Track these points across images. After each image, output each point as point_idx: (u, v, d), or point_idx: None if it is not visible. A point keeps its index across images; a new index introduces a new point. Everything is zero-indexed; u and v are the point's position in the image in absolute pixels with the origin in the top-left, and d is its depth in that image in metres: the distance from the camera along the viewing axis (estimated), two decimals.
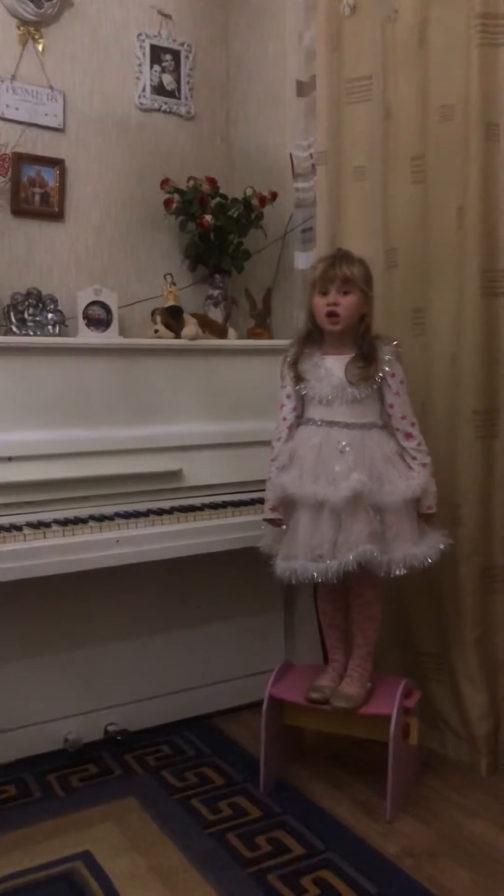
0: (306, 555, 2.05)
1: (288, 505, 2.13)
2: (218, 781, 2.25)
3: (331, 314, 2.09)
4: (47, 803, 2.13)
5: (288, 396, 2.20)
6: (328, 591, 2.23)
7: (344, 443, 2.07)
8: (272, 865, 1.86)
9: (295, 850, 1.92)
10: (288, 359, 2.20)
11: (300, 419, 2.19)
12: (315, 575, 2.03)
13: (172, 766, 2.33)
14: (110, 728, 2.40)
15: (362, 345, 2.12)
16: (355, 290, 2.09)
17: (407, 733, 2.14)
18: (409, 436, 2.13)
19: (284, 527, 2.15)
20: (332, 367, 2.13)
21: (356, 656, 2.19)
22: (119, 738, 2.38)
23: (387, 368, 2.10)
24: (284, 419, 2.20)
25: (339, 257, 2.12)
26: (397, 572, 2.04)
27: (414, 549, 2.07)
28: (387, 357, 2.11)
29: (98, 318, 2.57)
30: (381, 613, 2.22)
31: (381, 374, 2.10)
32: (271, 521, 2.20)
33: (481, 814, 2.10)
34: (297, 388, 2.17)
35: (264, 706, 2.18)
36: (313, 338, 2.18)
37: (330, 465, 2.06)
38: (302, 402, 2.18)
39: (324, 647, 2.39)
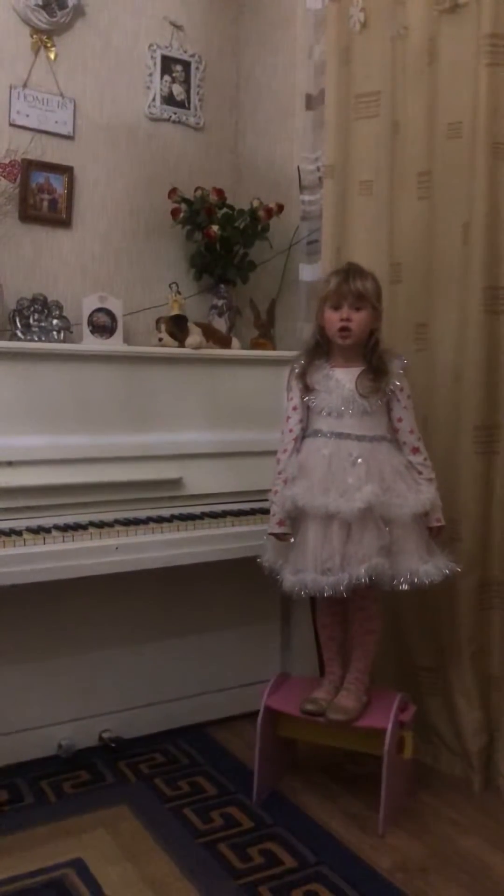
0: (316, 568, 2.04)
1: (295, 518, 2.12)
2: (211, 791, 2.25)
3: (343, 329, 2.10)
4: (39, 809, 2.13)
5: (294, 408, 2.19)
6: (328, 604, 2.23)
7: (356, 454, 2.07)
8: (263, 878, 1.86)
9: (286, 863, 1.92)
10: (296, 370, 2.20)
11: (305, 432, 2.19)
12: (326, 588, 2.02)
13: (165, 774, 2.33)
14: (104, 735, 2.40)
15: (372, 358, 2.13)
16: (367, 305, 2.10)
17: (401, 747, 2.14)
18: (416, 450, 2.14)
19: (292, 540, 2.13)
20: (342, 379, 2.13)
21: (353, 669, 2.19)
22: (113, 745, 2.38)
23: (397, 382, 2.12)
24: (291, 431, 2.19)
25: (353, 272, 2.12)
26: (400, 587, 2.04)
27: (419, 565, 2.06)
28: (397, 371, 2.13)
29: (103, 325, 2.58)
30: (381, 627, 2.22)
31: (391, 388, 2.11)
32: (278, 536, 2.17)
33: (473, 830, 2.09)
34: (306, 399, 2.16)
35: (259, 717, 2.18)
36: (321, 350, 2.19)
37: (341, 476, 2.05)
38: (308, 415, 2.18)
39: (320, 658, 2.39)
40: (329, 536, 2.04)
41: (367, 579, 1.99)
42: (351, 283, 2.09)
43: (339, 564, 2.01)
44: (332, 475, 2.06)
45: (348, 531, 2.02)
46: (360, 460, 2.06)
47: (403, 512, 2.05)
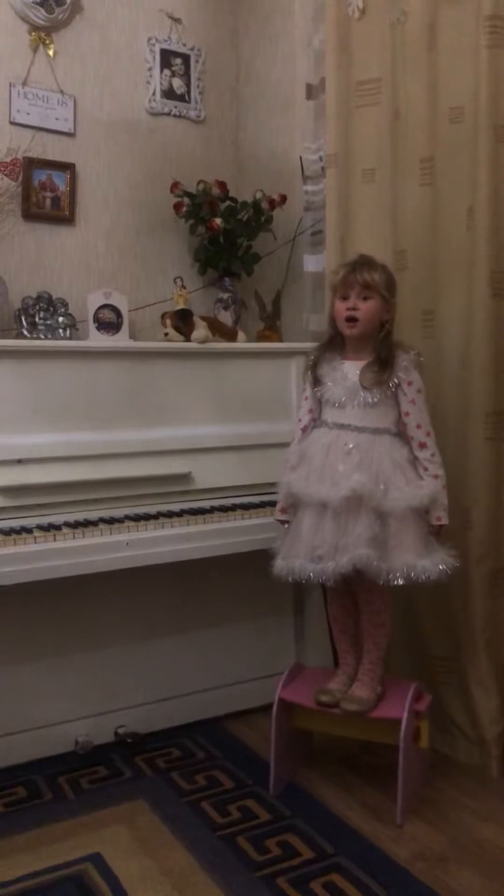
0: (307, 555, 2.06)
1: (294, 505, 2.14)
2: (227, 784, 2.25)
3: (350, 319, 2.10)
4: (57, 805, 2.14)
5: (306, 399, 2.23)
6: (338, 597, 2.23)
7: (351, 444, 2.07)
8: (282, 869, 1.86)
9: (304, 854, 1.92)
10: (309, 362, 2.22)
11: (316, 422, 2.20)
12: (312, 575, 2.04)
13: (182, 768, 2.33)
14: (120, 730, 2.40)
15: (380, 350, 2.12)
16: (376, 295, 2.09)
17: (417, 737, 2.14)
18: (423, 445, 2.12)
19: (286, 526, 2.18)
20: (349, 370, 2.14)
21: (366, 661, 2.18)
22: (129, 740, 2.38)
23: (402, 375, 2.10)
24: (300, 420, 2.23)
25: (361, 263, 2.12)
26: (395, 582, 2.02)
27: (417, 560, 2.03)
28: (403, 364, 2.10)
29: (108, 321, 2.58)
30: (391, 619, 2.21)
31: (395, 381, 2.09)
32: (281, 523, 2.22)
33: (492, 817, 2.08)
34: (315, 390, 2.19)
35: (274, 709, 2.18)
36: (335, 343, 2.19)
37: (335, 465, 2.07)
38: (319, 406, 2.19)
39: (334, 649, 2.38)
40: (322, 525, 2.05)
41: (355, 570, 1.98)
42: (358, 274, 2.09)
43: (329, 553, 2.02)
44: (329, 465, 2.07)
45: (340, 521, 2.02)
46: (353, 450, 2.06)
47: (399, 505, 2.02)
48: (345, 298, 2.11)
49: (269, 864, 1.88)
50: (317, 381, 2.18)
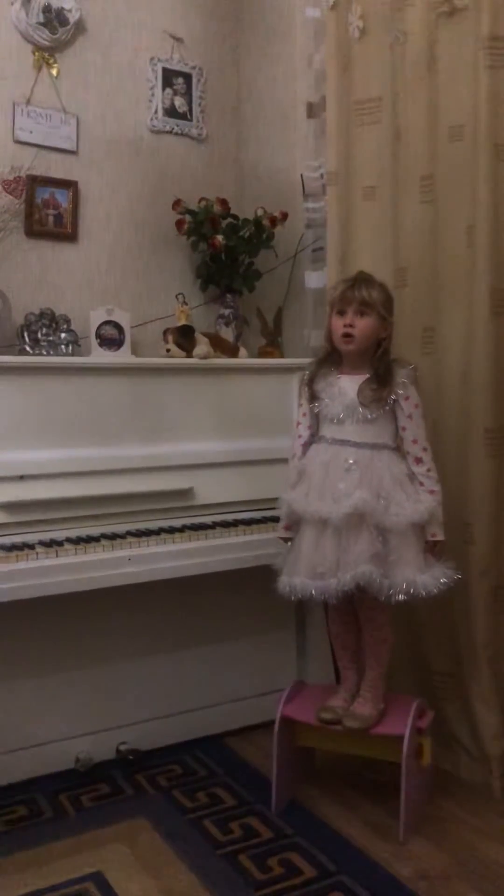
0: (308, 572, 2.06)
1: (296, 521, 2.14)
2: (229, 802, 2.24)
3: (346, 335, 2.10)
4: (58, 823, 2.13)
5: (304, 414, 2.22)
6: (339, 614, 2.22)
7: (351, 461, 2.07)
8: (284, 888, 1.85)
9: (307, 872, 1.91)
10: (305, 377, 2.22)
11: (314, 437, 2.19)
12: (314, 593, 2.03)
13: (184, 786, 2.32)
14: (122, 748, 2.39)
15: (378, 367, 2.12)
16: (373, 312, 2.10)
17: (419, 754, 2.13)
18: (419, 461, 2.12)
19: (289, 544, 2.17)
20: (346, 386, 2.13)
21: (368, 677, 2.18)
22: (131, 757, 2.37)
23: (400, 391, 2.10)
24: (299, 437, 2.22)
25: (359, 280, 2.13)
26: (397, 598, 2.02)
27: (417, 575, 2.03)
28: (401, 380, 2.11)
29: (111, 337, 2.59)
30: (393, 635, 2.21)
31: (393, 397, 2.09)
32: (285, 540, 2.21)
33: (495, 836, 2.07)
34: (312, 406, 2.18)
35: (276, 726, 2.17)
36: (332, 358, 2.19)
37: (336, 482, 2.06)
38: (317, 421, 2.19)
39: (336, 666, 2.38)
40: (323, 542, 2.05)
41: (356, 587, 1.98)
42: (356, 290, 2.10)
43: (330, 570, 2.02)
44: (329, 481, 2.07)
45: (342, 537, 2.02)
46: (354, 466, 2.06)
47: (399, 521, 2.02)
48: (341, 314, 2.12)
49: (271, 882, 1.87)
50: (313, 397, 2.18)
